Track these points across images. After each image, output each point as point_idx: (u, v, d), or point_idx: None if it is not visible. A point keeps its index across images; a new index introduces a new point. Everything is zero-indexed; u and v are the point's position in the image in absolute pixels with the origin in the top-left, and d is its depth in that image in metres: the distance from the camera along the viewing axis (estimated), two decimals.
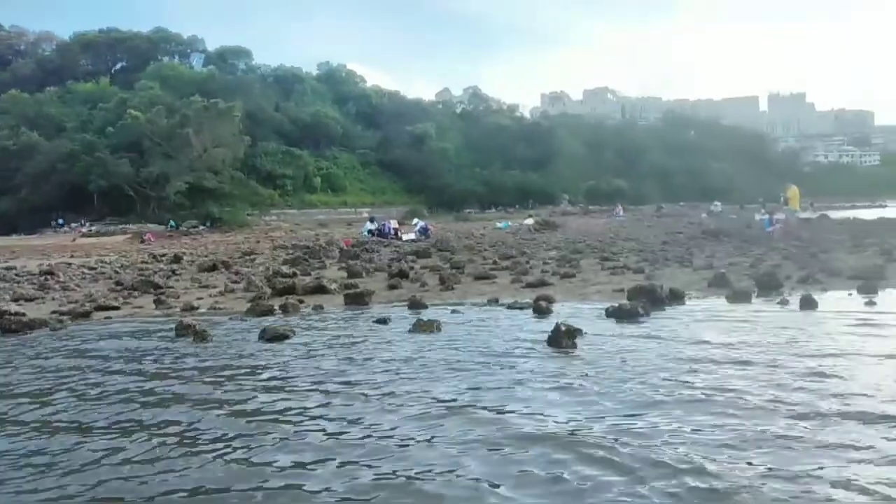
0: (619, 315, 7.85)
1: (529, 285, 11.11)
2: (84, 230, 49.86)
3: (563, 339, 6.37)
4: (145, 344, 7.79)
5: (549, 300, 9.00)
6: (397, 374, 5.61)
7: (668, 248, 16.85)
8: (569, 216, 47.05)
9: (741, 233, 20.09)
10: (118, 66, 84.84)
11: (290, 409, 4.74)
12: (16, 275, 18.78)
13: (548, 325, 7.59)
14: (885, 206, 61.59)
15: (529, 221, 35.52)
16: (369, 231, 27.89)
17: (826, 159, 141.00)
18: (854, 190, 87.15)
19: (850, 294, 8.96)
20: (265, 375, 5.90)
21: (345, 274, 14.34)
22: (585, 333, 6.73)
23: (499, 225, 36.77)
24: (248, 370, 6.15)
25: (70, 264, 21.85)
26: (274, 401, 4.99)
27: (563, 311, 8.50)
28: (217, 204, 57.07)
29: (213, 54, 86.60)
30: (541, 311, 8.41)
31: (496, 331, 7.39)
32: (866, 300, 8.36)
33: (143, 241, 39.38)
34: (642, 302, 8.16)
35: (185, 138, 56.10)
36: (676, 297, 9.00)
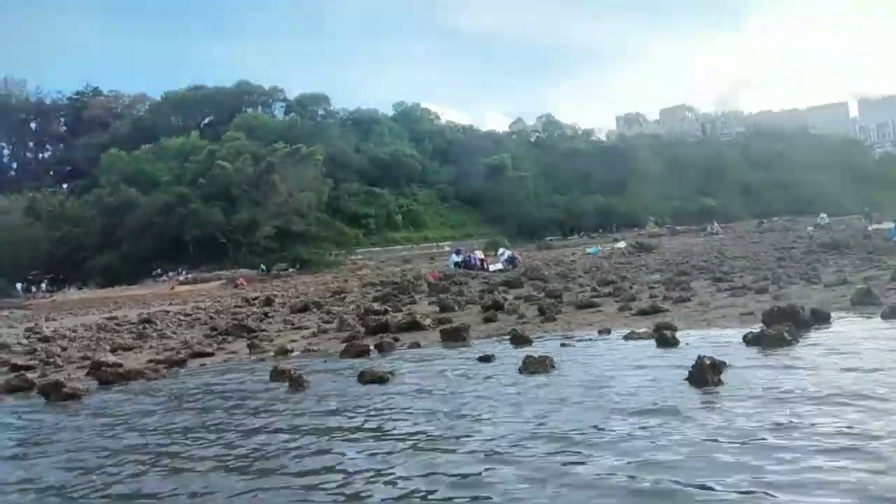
0: (761, 342, 6.83)
1: (641, 312, 10.15)
2: (181, 278, 51.84)
3: (707, 374, 5.46)
4: (241, 393, 7.36)
5: (672, 328, 8.04)
6: (522, 422, 4.86)
7: (785, 264, 15.40)
8: (656, 238, 45.14)
9: (862, 244, 18.27)
10: (206, 119, 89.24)
11: (396, 464, 4.08)
12: (116, 324, 19.29)
13: (678, 357, 6.70)
14: None
15: (622, 245, 34.13)
16: (455, 263, 27.41)
17: None
18: None
19: None
20: (369, 425, 5.28)
21: (436, 308, 13.78)
22: (729, 366, 5.78)
23: (589, 250, 35.50)
24: (350, 418, 5.57)
25: (167, 312, 22.38)
26: (378, 453, 4.35)
27: (691, 341, 7.53)
28: (304, 246, 58.47)
29: (294, 102, 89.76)
30: (665, 341, 7.47)
31: (620, 368, 6.51)
32: None
33: (236, 286, 40.44)
34: (787, 326, 7.09)
35: (271, 184, 57.93)
36: (821, 319, 7.87)
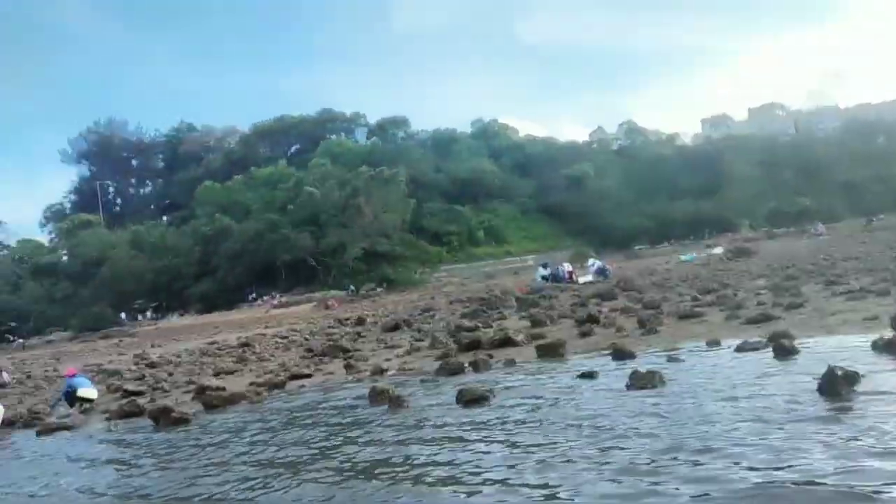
0: (894, 349, 6.22)
1: (751, 321, 9.54)
2: (275, 302, 53.59)
3: (840, 385, 4.99)
4: (343, 414, 7.37)
5: (789, 337, 7.47)
6: (642, 446, 4.56)
7: None
8: (752, 242, 42.98)
9: None
10: (293, 148, 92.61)
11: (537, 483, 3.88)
12: (217, 349, 20.03)
13: (801, 368, 6.21)
14: None
15: (719, 251, 32.63)
16: (543, 277, 26.93)
17: None
18: None
19: None
20: (473, 448, 5.10)
21: (527, 323, 13.51)
22: (863, 377, 5.26)
23: (683, 258, 34.04)
24: (455, 441, 5.41)
25: (264, 335, 23.06)
26: (494, 481, 4.16)
27: (812, 350, 6.97)
28: (390, 266, 59.40)
29: (375, 126, 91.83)
30: (784, 351, 6.94)
31: (738, 381, 6.06)
32: None
33: (327, 308, 41.38)
34: None
35: (356, 207, 59.27)
36: None
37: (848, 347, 6.89)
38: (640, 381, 6.46)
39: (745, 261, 25.26)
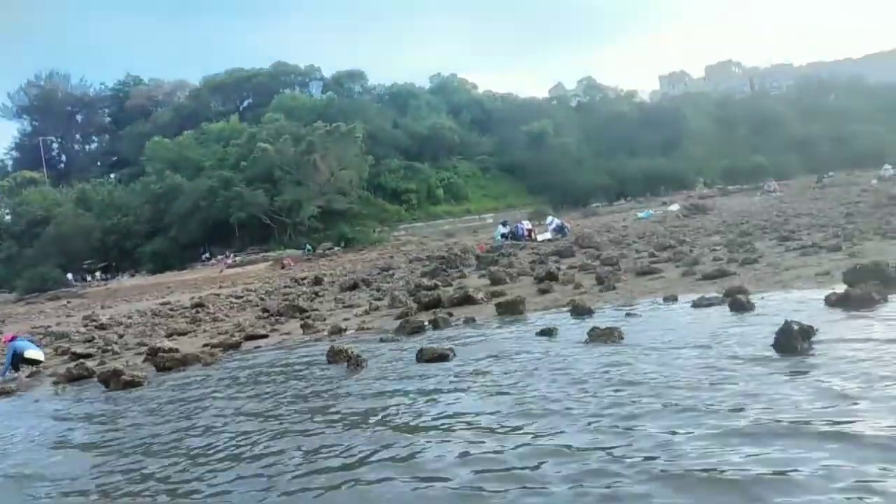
0: (847, 304, 6.34)
1: (707, 277, 9.65)
2: (229, 261, 52.65)
3: (796, 341, 5.03)
4: (301, 375, 7.21)
5: (744, 292, 7.55)
6: (599, 399, 4.53)
7: (854, 220, 14.57)
8: (707, 199, 43.77)
9: None
10: (245, 103, 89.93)
11: (482, 455, 3.81)
12: (170, 310, 19.57)
13: (757, 323, 6.29)
14: None
15: (675, 207, 33.09)
16: (502, 235, 26.96)
17: None
18: None
19: None
20: (436, 410, 5.01)
21: (487, 281, 13.46)
22: (818, 331, 5.31)
23: (640, 215, 34.43)
24: (417, 402, 5.32)
25: (219, 295, 22.62)
26: (458, 444, 4.08)
27: (768, 305, 7.06)
28: (348, 224, 58.69)
29: (330, 80, 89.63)
30: (740, 306, 7.01)
31: (696, 336, 6.09)
32: None
33: (283, 267, 40.81)
34: (874, 285, 6.56)
35: (312, 164, 58.12)
36: None
37: (802, 302, 6.99)
38: (599, 337, 6.47)
39: (700, 217, 25.68)
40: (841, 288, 6.99)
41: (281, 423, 5.21)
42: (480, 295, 11.14)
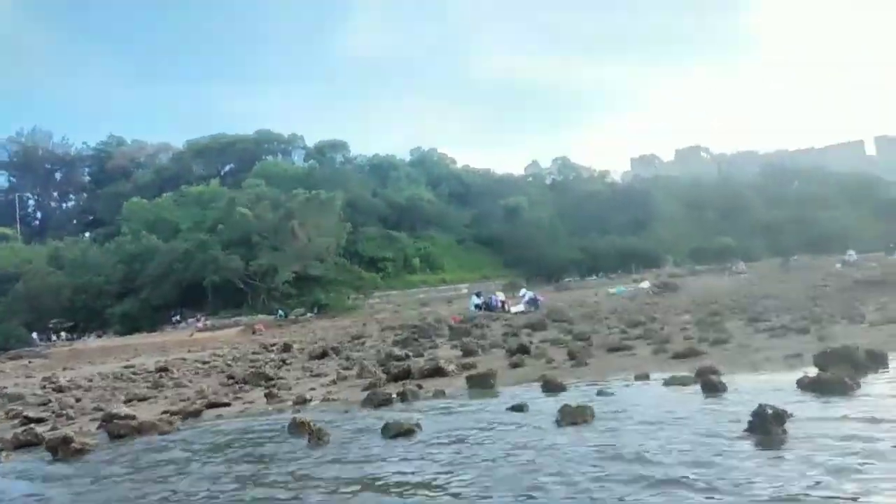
0: (819, 388, 6.29)
1: (678, 356, 9.61)
2: (200, 325, 51.69)
3: (770, 425, 4.94)
4: (257, 448, 6.90)
5: (716, 373, 7.50)
6: (569, 480, 4.36)
7: (821, 303, 14.76)
8: (676, 278, 44.43)
9: None
10: (227, 167, 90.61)
11: None
12: (133, 373, 18.95)
13: (729, 405, 6.21)
14: None
15: (646, 285, 33.44)
16: (476, 306, 26.90)
17: None
18: None
19: None
20: (395, 487, 4.79)
21: (459, 352, 13.28)
22: (791, 415, 5.23)
23: (612, 290, 34.71)
24: (378, 479, 5.08)
25: (185, 359, 22.02)
26: None
27: (740, 387, 6.99)
28: (323, 291, 58.35)
29: (313, 149, 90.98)
30: (712, 387, 6.93)
31: (669, 417, 5.97)
32: None
33: (254, 332, 40.13)
34: (845, 370, 6.55)
35: (290, 230, 58.19)
36: (878, 361, 7.31)
37: (774, 385, 6.94)
38: (571, 416, 6.31)
39: (670, 295, 25.93)
40: (812, 371, 6.99)
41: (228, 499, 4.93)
42: (451, 367, 10.95)
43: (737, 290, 24.36)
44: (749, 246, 75.81)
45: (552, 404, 7.04)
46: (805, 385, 6.44)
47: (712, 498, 3.76)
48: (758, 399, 5.92)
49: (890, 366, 7.28)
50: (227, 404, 10.64)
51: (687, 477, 4.19)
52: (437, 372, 10.66)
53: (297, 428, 7.26)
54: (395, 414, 7.74)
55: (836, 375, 6.32)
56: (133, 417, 9.53)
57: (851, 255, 39.57)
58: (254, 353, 21.50)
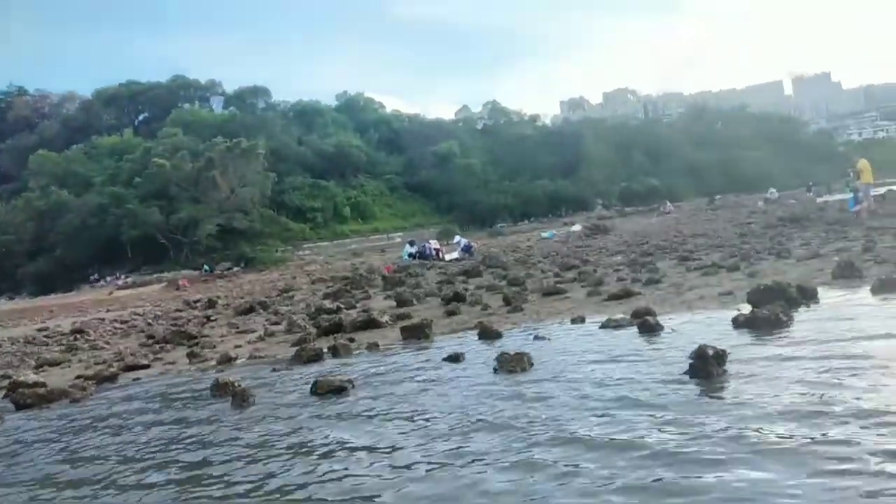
0: (754, 325, 6.25)
1: (613, 297, 9.54)
2: (120, 282, 49.51)
3: (711, 366, 4.81)
4: (177, 412, 6.42)
5: (652, 313, 7.41)
6: (512, 431, 4.10)
7: (748, 240, 15.08)
8: (606, 220, 45.31)
9: (820, 216, 18.19)
10: (140, 117, 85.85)
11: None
12: (46, 336, 17.82)
13: (666, 345, 6.11)
14: None
15: (577, 228, 33.79)
16: (410, 255, 26.54)
17: (860, 137, 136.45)
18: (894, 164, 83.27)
19: None
20: (326, 451, 4.44)
21: (393, 303, 12.94)
22: (730, 353, 5.12)
23: (544, 234, 34.92)
24: (304, 443, 4.72)
25: (103, 320, 20.91)
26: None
27: (676, 326, 6.92)
28: (249, 243, 56.57)
29: (232, 96, 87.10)
30: (649, 328, 6.83)
31: (608, 360, 5.82)
32: None
33: (178, 289, 38.65)
34: (779, 306, 6.54)
35: (211, 181, 55.84)
36: (808, 295, 7.37)
37: (710, 323, 6.90)
38: (508, 364, 6.08)
39: (602, 238, 26.22)
40: (746, 308, 6.98)
41: (139, 471, 4.46)
42: (385, 318, 10.61)
43: (666, 229, 24.84)
44: (675, 186, 78.08)
45: (489, 352, 6.82)
46: (740, 323, 6.40)
47: (659, 436, 3.56)
48: (694, 339, 5.84)
49: (820, 300, 7.35)
50: (147, 366, 10.02)
51: (631, 421, 4.00)
52: (371, 324, 10.30)
53: (220, 389, 6.81)
54: (327, 370, 7.37)
55: (771, 312, 6.29)
56: (42, 385, 8.81)
57: (773, 193, 41.15)
58: (177, 310, 20.58)
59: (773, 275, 9.28)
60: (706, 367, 4.81)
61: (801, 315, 6.65)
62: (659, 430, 3.81)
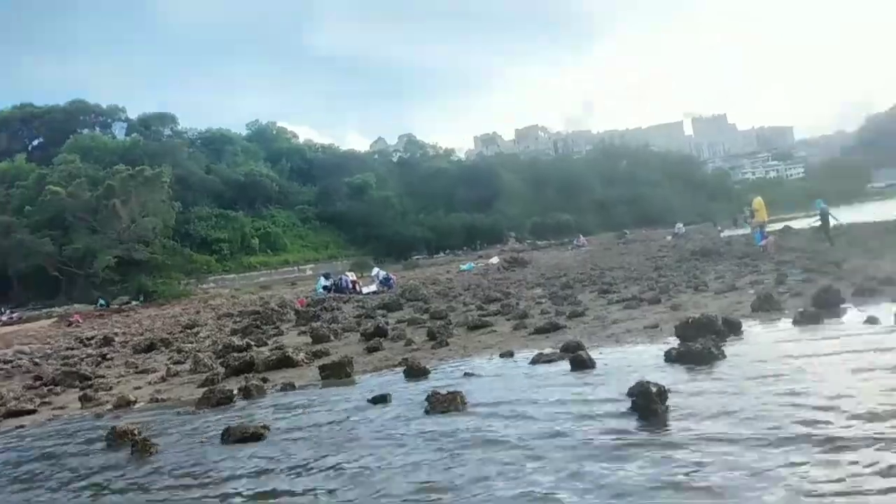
0: (688, 358, 6.15)
1: (539, 331, 9.36)
2: (5, 318, 45.59)
3: (655, 403, 4.61)
4: (65, 467, 5.62)
5: (583, 348, 7.23)
6: (445, 482, 3.71)
7: (665, 273, 15.41)
8: (522, 253, 45.90)
9: (732, 250, 18.92)
10: (35, 142, 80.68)
11: None
12: None
13: (603, 382, 5.91)
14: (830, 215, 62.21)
15: (495, 260, 33.89)
16: (324, 287, 25.70)
17: (753, 176, 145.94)
18: (785, 202, 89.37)
19: None
20: None
21: (308, 339, 12.28)
22: (669, 390, 4.95)
23: (463, 267, 34.88)
24: (215, 501, 4.14)
25: None
26: None
27: (609, 361, 6.75)
28: (150, 276, 53.39)
29: (136, 122, 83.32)
30: (581, 363, 6.61)
31: (541, 401, 5.52)
32: None
33: (70, 325, 35.86)
34: (710, 339, 6.49)
35: (111, 210, 52.68)
36: (734, 329, 7.41)
37: (641, 358, 6.78)
38: (441, 405, 5.70)
39: (520, 270, 26.36)
40: (674, 341, 6.92)
41: None
42: (301, 356, 9.97)
43: (582, 262, 25.25)
44: (585, 221, 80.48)
45: (418, 391, 6.42)
46: (673, 357, 6.30)
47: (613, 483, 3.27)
48: (630, 375, 5.69)
49: (745, 332, 7.41)
50: (33, 411, 8.96)
51: (583, 470, 3.70)
52: (285, 362, 9.65)
53: (117, 437, 6.07)
54: (238, 414, 6.73)
55: (703, 345, 6.22)
56: None
57: (680, 227, 42.89)
58: (68, 348, 18.93)
59: (694, 308, 9.39)
60: (650, 404, 4.61)
61: (731, 348, 6.63)
62: (617, 476, 3.53)
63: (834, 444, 3.61)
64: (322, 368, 8.54)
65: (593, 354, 6.97)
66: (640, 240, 42.35)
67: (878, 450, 3.45)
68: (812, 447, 3.62)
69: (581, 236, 52.60)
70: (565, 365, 6.82)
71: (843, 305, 8.10)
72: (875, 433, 3.67)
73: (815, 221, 21.10)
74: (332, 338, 11.98)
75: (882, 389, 4.52)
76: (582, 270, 20.20)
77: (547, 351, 7.61)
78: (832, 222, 19.59)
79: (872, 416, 3.95)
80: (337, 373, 8.30)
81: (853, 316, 7.50)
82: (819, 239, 19.16)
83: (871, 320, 6.87)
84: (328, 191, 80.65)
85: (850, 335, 6.50)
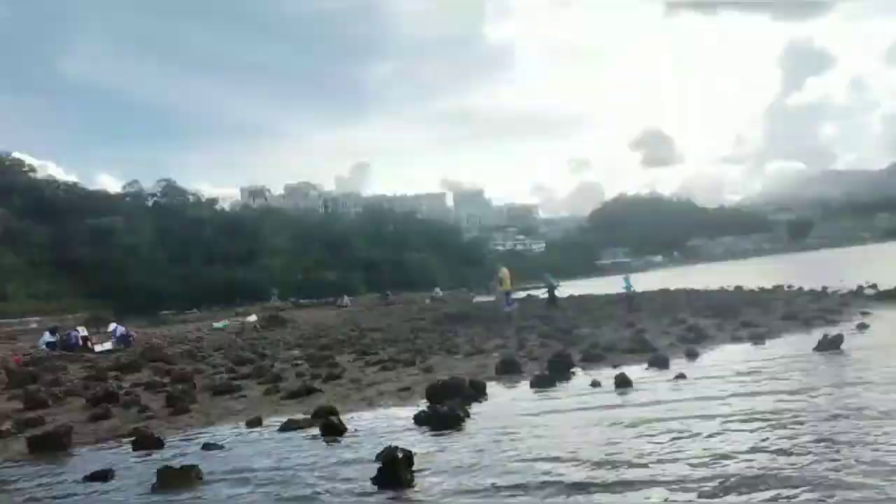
0: (435, 422, 6.30)
1: (292, 395, 9.02)
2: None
3: (402, 471, 4.59)
4: None
5: (334, 412, 7.08)
6: None
7: (421, 335, 15.92)
8: (284, 311, 44.73)
9: (482, 315, 20.19)
10: None
11: None
12: None
13: (352, 449, 5.81)
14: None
15: (253, 318, 32.41)
16: (48, 343, 22.42)
17: (504, 247, 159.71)
18: (528, 273, 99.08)
19: (646, 368, 8.68)
20: None
21: (19, 405, 10.50)
22: (415, 454, 5.00)
23: (217, 325, 32.77)
24: None
25: None
26: None
27: (360, 426, 6.68)
28: None
29: None
30: (332, 429, 6.44)
31: (287, 473, 5.24)
32: (676, 372, 8.03)
33: None
34: (457, 402, 6.74)
35: None
36: (479, 390, 7.82)
37: (392, 421, 6.81)
38: (172, 481, 5.14)
39: (279, 330, 25.54)
40: (424, 404, 7.08)
41: None
42: (7, 425, 8.45)
43: (344, 323, 25.19)
44: (351, 280, 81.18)
45: (148, 466, 5.74)
46: (422, 420, 6.42)
47: None
48: (380, 440, 5.68)
49: (489, 394, 7.83)
50: None
51: None
52: None
53: None
54: None
55: (450, 408, 6.43)
56: None
57: (438, 291, 45.30)
58: None
59: (445, 370, 9.76)
60: (396, 472, 4.58)
61: (476, 408, 6.95)
62: None
63: (577, 489, 4.05)
64: (32, 440, 7.30)
65: (346, 419, 6.87)
66: (401, 301, 43.78)
67: (613, 493, 3.92)
68: (557, 492, 4.02)
69: (345, 296, 52.97)
70: (315, 431, 6.60)
71: (572, 369, 8.97)
72: (611, 479, 4.17)
73: (542, 293, 23.63)
74: (51, 403, 10.38)
75: (608, 441, 5.11)
76: (343, 331, 20.15)
77: (298, 417, 7.32)
78: (558, 294, 22.03)
79: (603, 463, 4.48)
80: (50, 444, 7.15)
81: (581, 379, 8.33)
82: (550, 307, 21.34)
83: (595, 383, 7.67)
84: (67, 234, 71.94)
85: (578, 395, 7.19)
